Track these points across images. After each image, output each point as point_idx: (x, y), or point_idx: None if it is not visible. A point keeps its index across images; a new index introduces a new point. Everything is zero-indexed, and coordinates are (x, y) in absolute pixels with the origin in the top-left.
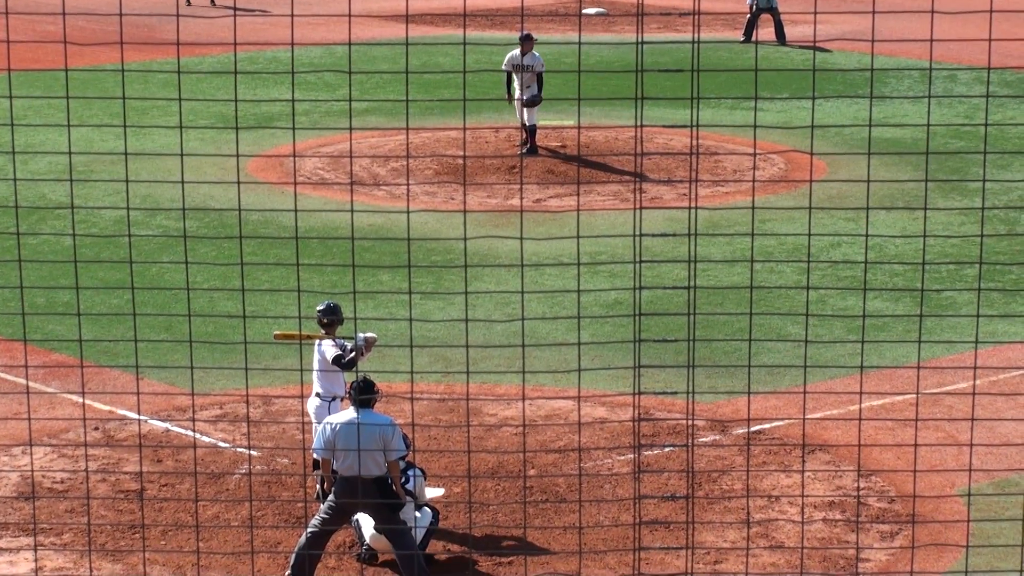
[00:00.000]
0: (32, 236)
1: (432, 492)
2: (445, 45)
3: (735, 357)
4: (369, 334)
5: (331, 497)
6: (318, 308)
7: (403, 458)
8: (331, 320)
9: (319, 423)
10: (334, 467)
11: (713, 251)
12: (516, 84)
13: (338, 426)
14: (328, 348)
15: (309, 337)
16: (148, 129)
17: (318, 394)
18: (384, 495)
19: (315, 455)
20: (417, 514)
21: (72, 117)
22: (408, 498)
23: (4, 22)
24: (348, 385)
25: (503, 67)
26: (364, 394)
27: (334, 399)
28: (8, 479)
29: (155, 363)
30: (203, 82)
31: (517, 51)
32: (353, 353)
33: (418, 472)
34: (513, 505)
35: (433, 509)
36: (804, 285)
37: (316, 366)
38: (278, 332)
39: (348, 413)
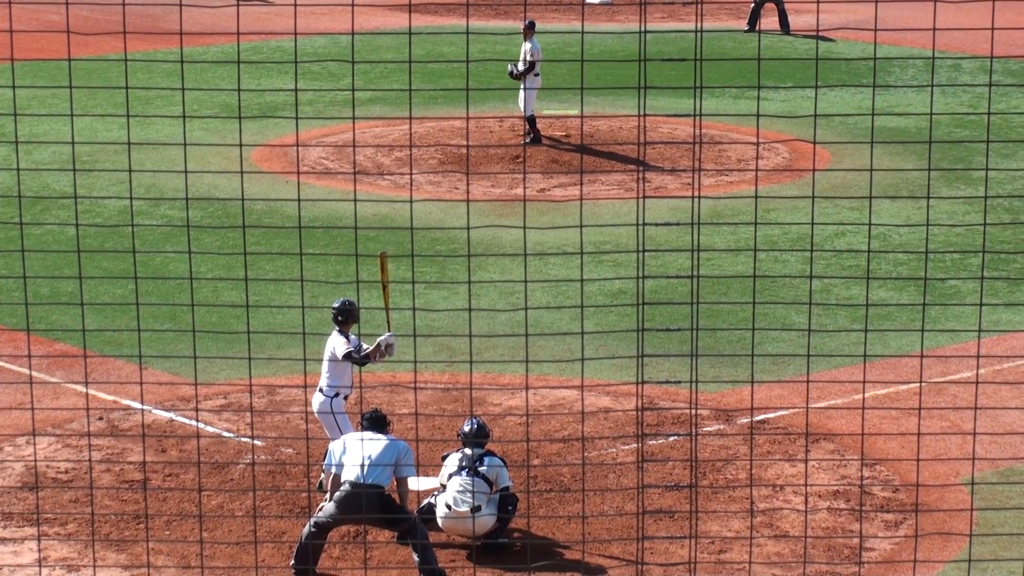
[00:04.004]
0: (36, 226)
1: (427, 482)
2: (449, 35)
3: (739, 346)
4: (393, 340)
5: (331, 508)
6: (333, 305)
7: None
8: (346, 317)
9: (320, 416)
10: (342, 479)
11: (717, 240)
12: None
13: (353, 441)
14: (340, 342)
15: (384, 287)
16: (152, 119)
17: (321, 389)
18: (385, 510)
19: (326, 469)
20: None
21: (76, 107)
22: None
23: (8, 11)
24: (359, 411)
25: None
26: (377, 425)
27: (337, 395)
28: (12, 469)
29: (159, 353)
30: (207, 72)
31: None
32: (368, 349)
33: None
34: (517, 494)
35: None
36: (808, 274)
37: (326, 356)
38: (385, 259)
39: (365, 434)
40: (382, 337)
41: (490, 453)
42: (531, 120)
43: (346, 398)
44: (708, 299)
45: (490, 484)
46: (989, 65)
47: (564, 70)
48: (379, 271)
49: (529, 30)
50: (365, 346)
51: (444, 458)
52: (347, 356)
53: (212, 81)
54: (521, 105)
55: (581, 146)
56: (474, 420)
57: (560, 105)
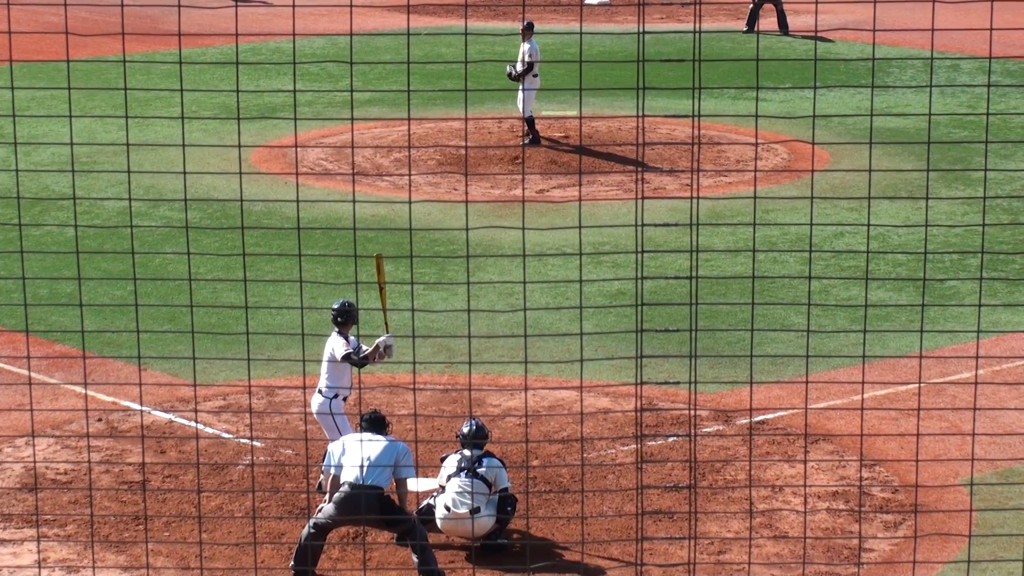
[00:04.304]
0: (35, 227)
1: (426, 484)
2: (448, 35)
3: (738, 347)
4: (391, 341)
5: (330, 509)
6: (332, 306)
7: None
8: (345, 319)
9: (320, 417)
10: (342, 481)
11: (716, 241)
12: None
13: (352, 442)
14: (339, 344)
15: (381, 289)
16: (151, 120)
17: (320, 391)
18: (384, 511)
19: (324, 470)
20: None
21: (75, 108)
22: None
23: (6, 13)
24: (357, 414)
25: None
26: (377, 426)
27: (336, 396)
28: (11, 470)
29: (158, 354)
30: (206, 73)
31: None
32: (367, 351)
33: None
34: (517, 495)
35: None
36: (807, 275)
37: (326, 357)
38: (380, 261)
39: (364, 435)
40: (381, 338)
41: (489, 454)
42: (530, 121)
43: (345, 399)
44: (707, 300)
45: (489, 485)
46: (988, 65)
47: (563, 71)
48: (375, 272)
49: (528, 31)
50: (364, 347)
51: (443, 459)
52: (346, 357)
53: (211, 82)
54: (520, 106)
55: (580, 147)
56: (473, 421)
57: (559, 106)
